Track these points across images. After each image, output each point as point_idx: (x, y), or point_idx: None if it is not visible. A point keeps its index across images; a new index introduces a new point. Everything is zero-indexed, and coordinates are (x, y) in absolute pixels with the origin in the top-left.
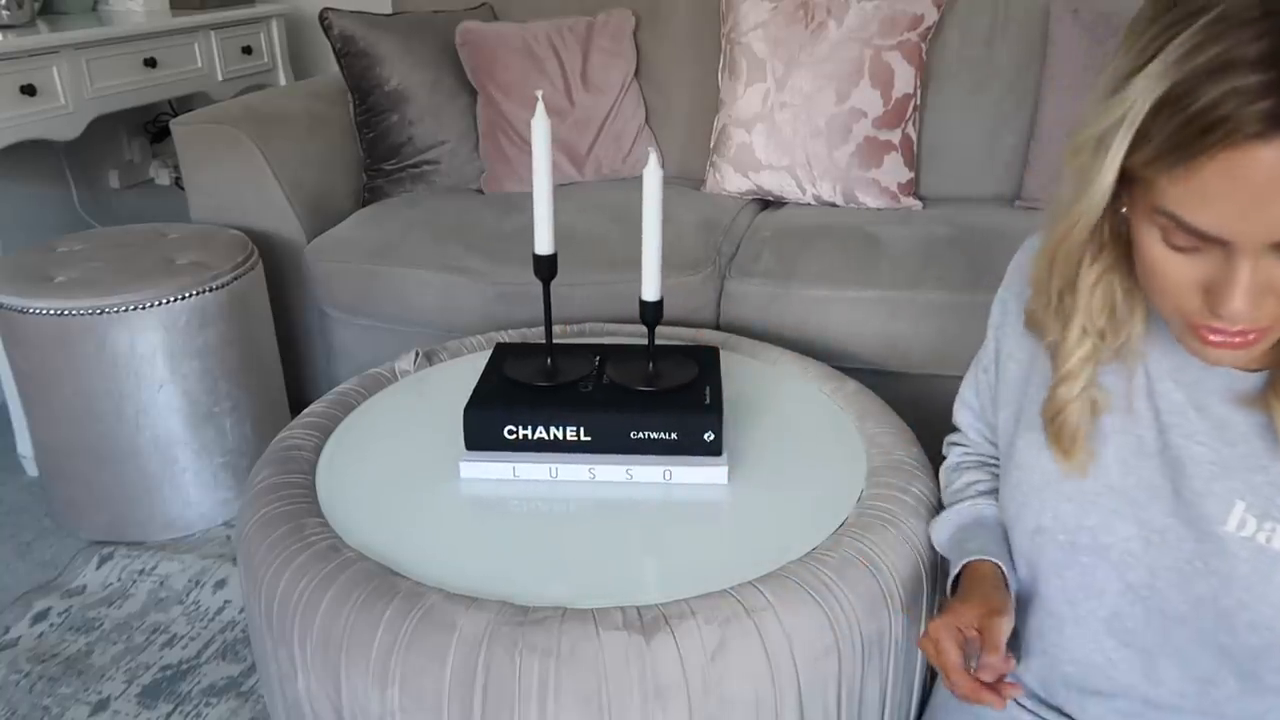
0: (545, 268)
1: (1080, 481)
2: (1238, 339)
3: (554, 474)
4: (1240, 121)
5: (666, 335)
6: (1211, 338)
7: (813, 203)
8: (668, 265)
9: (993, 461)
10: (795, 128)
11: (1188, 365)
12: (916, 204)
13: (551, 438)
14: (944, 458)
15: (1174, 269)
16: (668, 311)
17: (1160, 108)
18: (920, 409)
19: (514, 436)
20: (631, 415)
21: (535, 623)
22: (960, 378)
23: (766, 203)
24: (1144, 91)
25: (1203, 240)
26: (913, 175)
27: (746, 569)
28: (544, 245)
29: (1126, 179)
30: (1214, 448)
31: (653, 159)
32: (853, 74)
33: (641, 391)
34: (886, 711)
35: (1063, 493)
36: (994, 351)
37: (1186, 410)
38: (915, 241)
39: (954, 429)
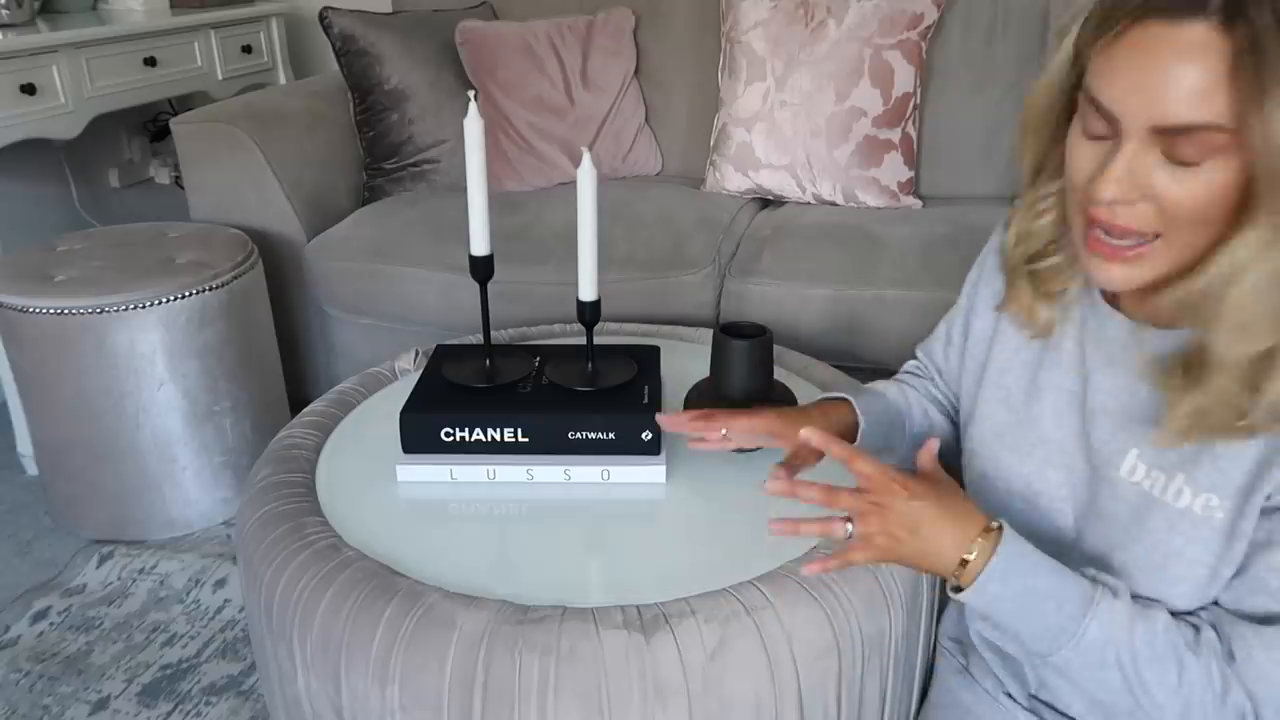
0: (481, 269)
1: (1020, 434)
2: (1117, 246)
3: (492, 476)
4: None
5: (666, 334)
6: (1099, 245)
7: (813, 202)
8: (668, 264)
9: (932, 393)
10: (795, 127)
11: (1110, 325)
12: (916, 203)
13: (489, 439)
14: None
15: (1082, 155)
16: (668, 310)
17: None
18: None
19: (451, 439)
20: (569, 415)
21: (535, 622)
22: None
23: (766, 202)
24: None
25: (1105, 120)
26: (913, 174)
27: (746, 568)
28: (479, 246)
29: (1079, 63)
30: (1121, 401)
31: (586, 159)
32: (853, 73)
33: (580, 392)
34: (886, 711)
35: (1005, 442)
36: (965, 310)
37: (1105, 369)
38: (915, 241)
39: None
